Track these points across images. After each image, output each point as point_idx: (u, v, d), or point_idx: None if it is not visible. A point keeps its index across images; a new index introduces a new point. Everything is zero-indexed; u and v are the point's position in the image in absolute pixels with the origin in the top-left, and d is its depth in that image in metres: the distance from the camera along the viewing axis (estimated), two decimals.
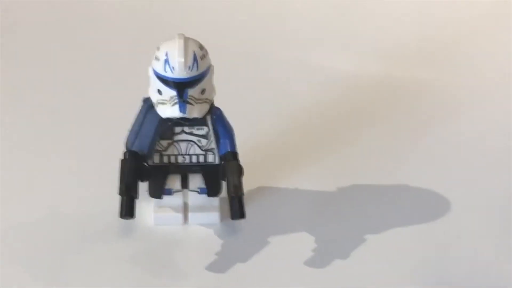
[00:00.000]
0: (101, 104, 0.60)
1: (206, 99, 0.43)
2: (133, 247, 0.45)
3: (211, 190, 0.46)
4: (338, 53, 0.68)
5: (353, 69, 0.66)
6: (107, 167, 0.47)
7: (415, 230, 0.49)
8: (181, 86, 0.41)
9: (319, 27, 0.72)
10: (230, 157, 0.44)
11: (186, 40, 0.41)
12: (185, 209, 0.47)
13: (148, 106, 0.44)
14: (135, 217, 0.43)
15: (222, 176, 0.45)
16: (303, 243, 0.46)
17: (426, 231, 0.49)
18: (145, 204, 0.46)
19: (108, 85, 0.62)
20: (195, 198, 0.47)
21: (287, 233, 0.47)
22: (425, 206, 0.51)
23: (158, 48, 0.42)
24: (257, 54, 0.67)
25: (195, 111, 0.42)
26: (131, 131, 0.44)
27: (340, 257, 0.46)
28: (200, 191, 0.46)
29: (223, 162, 0.45)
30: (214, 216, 0.46)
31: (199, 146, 0.45)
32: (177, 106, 0.42)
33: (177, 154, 0.45)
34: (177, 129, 0.44)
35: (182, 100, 0.42)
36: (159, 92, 0.42)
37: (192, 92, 0.42)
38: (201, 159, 0.46)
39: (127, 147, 0.44)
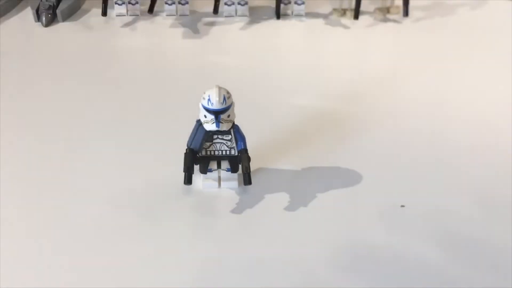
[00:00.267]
0: (175, 121, 0.69)
1: (230, 120, 0.57)
2: (191, 200, 0.59)
3: (233, 169, 0.60)
4: (305, 95, 0.77)
5: (313, 104, 0.75)
6: (177, 157, 0.58)
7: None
8: (216, 113, 0.55)
9: (295, 80, 0.81)
10: (243, 151, 0.58)
11: (219, 88, 0.55)
12: (219, 179, 0.60)
13: (199, 124, 0.57)
14: (192, 184, 0.58)
15: (239, 162, 0.59)
16: (285, 197, 0.59)
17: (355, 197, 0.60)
18: (197, 177, 0.60)
19: (178, 112, 0.72)
20: (224, 174, 0.60)
21: (274, 193, 0.60)
22: (352, 182, 0.62)
23: (204, 93, 0.56)
24: (259, 97, 0.76)
25: (224, 127, 0.56)
26: (190, 137, 0.58)
27: (307, 206, 0.59)
28: (227, 170, 0.60)
29: (239, 154, 0.58)
30: (234, 183, 0.60)
31: (226, 146, 0.59)
32: (215, 124, 0.56)
33: (214, 150, 0.59)
34: (215, 136, 0.58)
35: (217, 121, 0.55)
36: (205, 116, 0.56)
37: (223, 116, 0.56)
38: (228, 152, 0.59)
39: (187, 146, 0.58)
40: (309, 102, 0.75)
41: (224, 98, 0.56)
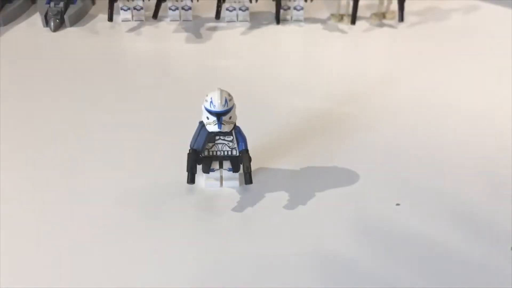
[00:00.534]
0: (178, 123, 0.69)
1: (232, 121, 0.57)
2: (194, 199, 0.60)
3: (235, 168, 0.60)
4: (304, 97, 0.77)
5: (311, 105, 0.75)
6: (181, 157, 0.58)
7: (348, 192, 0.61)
8: (218, 115, 0.55)
9: (294, 83, 0.81)
10: (244, 152, 0.58)
11: (221, 91, 0.55)
12: (221, 179, 0.61)
13: (201, 125, 0.57)
14: (195, 183, 0.58)
15: (240, 162, 0.58)
16: (284, 196, 0.59)
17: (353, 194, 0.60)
18: (200, 177, 0.60)
19: (182, 113, 0.72)
20: (226, 173, 0.60)
21: (274, 192, 0.60)
22: (349, 181, 0.62)
23: (207, 95, 0.56)
24: (259, 99, 0.76)
25: (226, 128, 0.56)
26: (193, 138, 0.58)
27: (306, 204, 0.59)
28: (229, 170, 0.60)
29: (240, 155, 0.58)
30: (236, 183, 0.61)
31: (228, 146, 0.58)
32: (217, 125, 0.55)
33: (216, 150, 0.59)
34: (217, 137, 0.58)
35: (219, 122, 0.55)
36: (207, 118, 0.56)
37: (224, 118, 0.56)
38: (229, 153, 0.59)
39: (191, 146, 0.58)
40: (307, 103, 0.75)
41: (226, 101, 0.56)
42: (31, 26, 0.93)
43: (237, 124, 0.58)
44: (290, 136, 0.69)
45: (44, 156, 0.66)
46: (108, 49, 0.88)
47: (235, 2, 0.92)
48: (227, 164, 0.60)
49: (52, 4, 0.93)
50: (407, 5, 0.92)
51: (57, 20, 0.92)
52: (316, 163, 0.65)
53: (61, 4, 0.93)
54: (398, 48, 0.89)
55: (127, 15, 0.94)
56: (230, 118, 0.57)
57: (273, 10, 0.93)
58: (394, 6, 0.93)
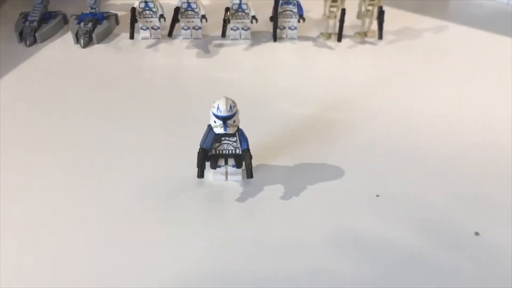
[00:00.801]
0: (190, 126, 0.70)
1: (236, 125, 0.56)
2: (203, 191, 0.59)
3: (238, 165, 0.59)
4: (298, 104, 0.76)
5: (303, 110, 0.75)
6: (191, 155, 0.58)
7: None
8: (224, 119, 0.55)
9: (289, 91, 0.80)
10: (246, 151, 0.58)
11: (226, 98, 0.55)
12: (226, 174, 0.60)
13: (210, 128, 0.57)
14: (203, 177, 0.58)
15: (243, 159, 0.58)
16: (281, 189, 0.60)
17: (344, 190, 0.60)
18: (208, 172, 0.60)
19: (193, 118, 0.72)
20: (230, 169, 0.60)
21: (272, 185, 0.60)
22: (337, 176, 0.62)
23: (214, 102, 0.55)
24: (259, 105, 0.76)
25: (230, 130, 0.56)
26: (202, 139, 0.58)
27: (299, 196, 0.59)
28: (233, 166, 0.60)
29: (243, 153, 0.58)
30: (239, 177, 0.60)
31: (232, 146, 0.58)
32: (223, 128, 0.56)
33: (222, 149, 0.58)
34: (223, 138, 0.58)
35: (225, 125, 0.55)
36: (215, 121, 0.56)
37: (229, 121, 0.55)
38: (233, 151, 0.59)
39: (200, 146, 0.58)
40: (300, 109, 0.75)
41: (231, 107, 0.55)
42: (64, 43, 0.92)
43: (240, 127, 0.58)
44: (286, 137, 0.69)
45: (74, 153, 0.66)
46: (130, 63, 0.87)
47: (238, 23, 0.92)
48: (231, 161, 0.60)
49: (82, 24, 0.92)
50: (385, 26, 0.92)
51: (86, 38, 0.91)
52: (308, 160, 0.65)
53: (90, 24, 0.92)
54: (378, 62, 0.88)
55: (146, 33, 0.93)
56: (234, 121, 0.57)
57: (271, 30, 0.93)
58: (374, 26, 0.93)
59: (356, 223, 0.56)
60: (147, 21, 0.92)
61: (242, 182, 0.61)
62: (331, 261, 0.52)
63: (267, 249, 0.53)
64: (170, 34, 0.92)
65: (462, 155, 0.66)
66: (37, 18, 0.93)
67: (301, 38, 0.94)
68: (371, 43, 0.93)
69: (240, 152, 0.59)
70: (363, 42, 0.93)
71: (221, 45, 0.92)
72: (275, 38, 0.93)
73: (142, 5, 0.90)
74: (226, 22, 0.90)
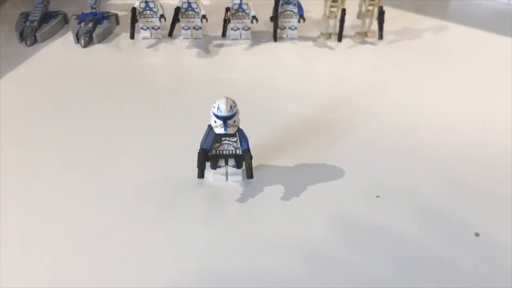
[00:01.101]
0: (190, 126, 0.68)
1: (236, 125, 0.57)
2: (203, 191, 0.59)
3: (238, 165, 0.59)
4: (298, 104, 0.76)
5: (303, 110, 0.75)
6: (192, 155, 0.58)
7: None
8: (224, 119, 0.55)
9: (289, 91, 0.80)
10: (246, 151, 0.58)
11: (227, 98, 0.55)
12: (226, 174, 0.60)
13: (210, 128, 0.57)
14: (204, 178, 0.58)
15: (243, 159, 0.59)
16: (281, 189, 0.60)
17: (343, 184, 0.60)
18: (208, 172, 0.60)
19: (193, 118, 0.70)
20: (231, 169, 0.60)
21: (272, 185, 0.60)
22: (336, 176, 0.62)
23: (214, 102, 0.55)
24: (259, 105, 0.76)
25: (231, 130, 0.56)
26: (203, 139, 0.57)
27: (299, 196, 0.59)
28: (233, 166, 0.60)
29: (243, 153, 0.58)
30: (239, 177, 0.60)
31: (232, 146, 0.58)
32: (223, 128, 0.56)
33: (222, 149, 0.58)
34: (223, 138, 0.58)
35: (225, 125, 0.55)
36: (215, 121, 0.56)
37: (230, 121, 0.55)
38: (234, 152, 0.59)
39: (200, 146, 0.58)
40: (300, 109, 0.75)
41: (231, 107, 0.55)
42: (65, 43, 0.92)
43: (240, 127, 0.58)
44: (286, 137, 0.69)
45: (73, 155, 0.66)
46: (130, 63, 0.87)
47: (238, 23, 0.92)
48: (231, 161, 0.60)
49: (82, 24, 0.92)
50: (386, 26, 0.92)
51: (87, 38, 0.91)
52: (308, 160, 0.65)
53: (90, 24, 0.92)
54: (378, 62, 0.88)
55: (147, 33, 0.93)
56: (234, 122, 0.57)
57: (271, 30, 0.93)
58: (375, 26, 0.93)
59: (356, 223, 0.56)
60: (147, 21, 0.92)
61: (242, 183, 0.61)
62: (331, 261, 0.52)
63: (267, 249, 0.53)
64: (170, 34, 0.92)
65: (462, 155, 0.66)
66: (37, 18, 0.93)
67: (302, 38, 0.94)
68: (371, 43, 0.93)
69: (241, 153, 0.59)
70: (363, 42, 0.93)
71: (221, 45, 0.92)
72: (275, 38, 0.93)
73: (143, 5, 0.90)
74: (226, 22, 0.90)
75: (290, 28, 0.93)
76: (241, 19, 0.91)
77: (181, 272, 0.51)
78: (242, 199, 0.59)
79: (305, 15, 0.90)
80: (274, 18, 0.91)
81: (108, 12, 0.97)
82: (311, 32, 0.96)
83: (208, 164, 0.59)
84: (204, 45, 0.92)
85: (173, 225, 0.55)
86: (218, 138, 0.58)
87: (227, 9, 0.89)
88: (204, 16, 0.90)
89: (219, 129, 0.56)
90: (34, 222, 0.56)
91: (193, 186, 0.60)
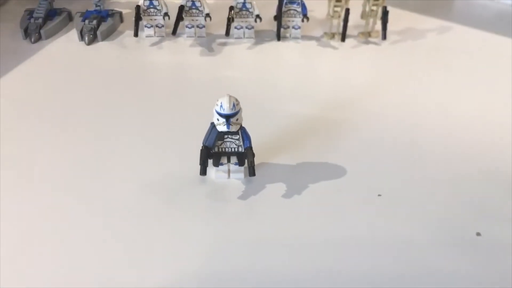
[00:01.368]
0: (193, 124, 0.68)
1: (238, 123, 0.57)
2: (205, 189, 0.60)
3: (240, 163, 0.60)
4: (300, 103, 0.77)
5: (306, 109, 0.75)
6: (194, 153, 0.59)
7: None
8: (227, 117, 0.56)
9: (292, 91, 0.81)
10: (249, 149, 0.58)
11: (230, 97, 0.55)
12: (228, 171, 0.61)
13: (213, 125, 0.57)
14: (206, 175, 0.59)
15: (245, 157, 0.59)
16: (282, 187, 0.60)
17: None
18: (211, 169, 0.60)
19: (196, 116, 0.71)
20: (233, 167, 0.60)
21: (274, 183, 0.61)
22: (337, 175, 0.62)
23: (217, 100, 0.56)
24: (262, 104, 0.76)
25: (233, 128, 0.56)
26: (205, 137, 0.58)
27: (300, 194, 0.59)
28: (235, 164, 0.60)
29: (245, 151, 0.58)
30: (241, 175, 0.61)
31: (235, 144, 0.59)
32: (226, 126, 0.56)
33: (225, 147, 0.59)
34: (225, 136, 0.58)
35: (228, 123, 0.56)
36: (218, 119, 0.56)
37: (232, 119, 0.56)
38: (236, 149, 0.59)
39: (203, 144, 0.58)
40: (303, 108, 0.75)
41: (234, 105, 0.56)
42: (69, 40, 0.93)
43: (243, 125, 0.58)
44: (288, 136, 0.69)
45: (75, 152, 0.66)
46: (134, 61, 0.88)
47: (242, 21, 0.92)
48: (234, 159, 0.60)
49: (86, 21, 0.93)
50: (389, 26, 0.92)
51: (91, 35, 0.91)
52: (310, 159, 0.65)
53: (94, 22, 0.92)
54: (381, 62, 0.88)
55: (150, 31, 0.93)
56: (237, 120, 0.57)
57: (275, 29, 0.93)
58: (378, 26, 0.93)
59: (357, 222, 0.56)
60: (151, 19, 0.92)
61: (244, 180, 0.61)
62: (332, 259, 0.52)
63: (269, 247, 0.53)
64: (174, 32, 0.92)
65: (464, 155, 0.66)
66: (42, 15, 0.93)
67: (305, 37, 0.94)
68: (375, 43, 0.93)
69: (243, 150, 0.59)
70: (367, 42, 0.93)
71: (224, 44, 0.92)
72: (278, 37, 0.93)
73: (147, 3, 0.90)
74: (230, 20, 0.90)
75: (293, 27, 0.93)
76: (244, 18, 0.91)
77: (183, 269, 0.51)
78: (244, 197, 0.59)
79: (308, 14, 0.90)
80: (278, 17, 0.91)
81: (112, 10, 0.97)
82: (315, 31, 0.96)
83: (210, 161, 0.60)
84: (208, 44, 0.92)
85: (175, 222, 0.56)
86: (221, 135, 0.58)
87: (231, 8, 0.90)
88: (207, 15, 0.90)
89: (221, 127, 0.57)
90: (35, 220, 0.56)
91: (196, 183, 0.60)
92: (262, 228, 0.55)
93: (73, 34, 0.93)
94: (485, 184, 0.61)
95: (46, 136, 0.69)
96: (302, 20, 0.91)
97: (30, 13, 0.94)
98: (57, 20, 0.95)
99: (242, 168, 0.61)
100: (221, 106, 0.56)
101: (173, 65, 0.88)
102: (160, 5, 0.91)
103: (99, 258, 0.52)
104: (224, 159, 0.60)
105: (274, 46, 0.92)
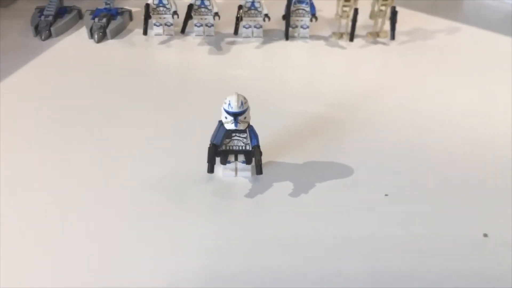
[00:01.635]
0: (201, 121, 0.68)
1: (246, 121, 0.57)
2: (213, 186, 0.60)
3: (248, 161, 0.60)
4: (308, 102, 0.76)
5: (313, 108, 0.75)
6: (202, 150, 0.59)
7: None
8: (235, 115, 0.56)
9: (300, 90, 0.80)
10: (256, 147, 0.58)
11: (238, 95, 0.55)
12: (236, 169, 0.61)
13: (221, 124, 0.57)
14: (213, 173, 0.59)
15: (252, 155, 0.59)
16: (289, 185, 0.60)
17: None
18: (218, 167, 0.60)
19: (204, 114, 0.71)
20: (240, 165, 0.61)
21: (281, 182, 0.61)
22: (344, 174, 0.62)
23: (225, 98, 0.56)
24: (270, 103, 0.76)
25: (241, 126, 0.56)
26: (213, 134, 0.58)
27: (308, 193, 0.59)
28: (243, 162, 0.60)
29: (253, 149, 0.58)
30: (248, 173, 0.61)
31: (242, 142, 0.59)
32: (233, 124, 0.56)
33: (232, 145, 0.59)
34: (233, 134, 0.58)
35: (236, 121, 0.56)
36: (226, 117, 0.56)
37: (240, 118, 0.56)
38: (243, 148, 0.59)
39: (211, 141, 0.58)
40: (310, 107, 0.75)
41: (242, 103, 0.56)
42: (79, 37, 0.93)
43: (250, 123, 0.58)
44: (296, 135, 0.69)
45: (84, 149, 0.66)
46: (143, 59, 0.88)
47: (251, 20, 0.92)
48: (241, 157, 0.61)
49: (96, 19, 0.93)
50: (398, 26, 0.92)
51: (100, 33, 0.92)
52: (317, 158, 0.65)
53: (104, 20, 0.93)
54: (389, 62, 0.88)
55: (159, 30, 0.94)
56: (245, 118, 0.57)
57: (283, 28, 0.93)
58: (387, 26, 0.93)
59: (364, 221, 0.56)
60: (160, 18, 0.93)
61: (251, 178, 0.61)
62: (339, 259, 0.52)
63: (276, 246, 0.53)
64: (183, 31, 0.93)
65: (472, 155, 0.66)
66: (52, 13, 0.94)
67: (313, 37, 0.94)
68: (383, 43, 0.93)
69: (250, 149, 0.59)
70: (375, 42, 0.93)
71: (233, 43, 0.92)
72: (287, 36, 0.93)
73: (156, 1, 0.91)
74: (238, 19, 0.90)
75: (302, 27, 0.93)
76: (253, 17, 0.92)
77: (189, 266, 0.51)
78: (250, 195, 0.59)
79: (317, 14, 0.90)
80: (286, 17, 0.91)
81: (122, 8, 0.98)
82: (323, 31, 0.96)
83: (218, 159, 0.60)
84: (216, 42, 0.92)
85: (183, 220, 0.56)
86: (229, 134, 0.58)
87: (240, 7, 0.90)
88: (216, 14, 0.91)
89: (229, 125, 0.57)
90: (40, 217, 0.56)
91: (203, 181, 0.61)
92: (269, 227, 0.55)
93: (83, 32, 0.94)
94: (496, 185, 0.61)
95: (54, 132, 0.69)
96: (311, 20, 0.91)
97: (40, 10, 0.95)
98: (67, 18, 0.96)
99: (249, 166, 0.61)
100: (229, 104, 0.56)
101: (182, 63, 0.88)
102: (169, 4, 0.91)
103: (103, 256, 0.52)
104: (231, 157, 0.60)
105: (282, 45, 0.92)
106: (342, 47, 0.92)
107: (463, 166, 0.64)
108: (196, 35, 0.94)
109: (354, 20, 0.90)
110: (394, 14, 0.90)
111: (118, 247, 0.53)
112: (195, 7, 0.91)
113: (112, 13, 0.95)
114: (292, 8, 0.90)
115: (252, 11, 0.91)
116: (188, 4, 0.91)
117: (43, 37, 0.91)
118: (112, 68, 0.85)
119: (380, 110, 0.75)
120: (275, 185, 0.60)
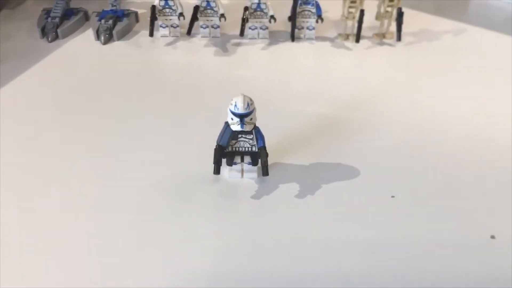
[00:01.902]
0: (207, 123, 0.69)
1: (253, 122, 0.57)
2: (219, 187, 0.60)
3: (254, 162, 0.60)
4: (314, 103, 0.77)
5: (319, 110, 0.75)
6: (208, 152, 0.59)
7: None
8: (241, 116, 0.56)
9: (306, 91, 0.80)
10: (262, 148, 0.58)
11: (244, 96, 0.56)
12: (242, 171, 0.61)
13: (227, 125, 0.58)
14: (220, 174, 0.59)
15: (259, 157, 0.59)
16: (295, 187, 0.60)
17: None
18: (224, 169, 0.60)
19: (210, 115, 0.71)
20: (246, 166, 0.61)
21: (287, 183, 0.61)
22: (351, 175, 0.62)
23: (231, 99, 0.56)
24: (276, 104, 0.76)
25: (247, 128, 0.57)
26: (219, 136, 0.58)
27: (314, 194, 0.59)
28: (249, 163, 0.60)
29: (259, 151, 0.59)
30: (254, 174, 0.61)
31: (248, 143, 0.59)
32: (240, 125, 0.56)
33: (239, 146, 0.59)
34: (239, 136, 0.58)
35: (242, 123, 0.56)
36: (232, 119, 0.56)
37: (246, 119, 0.56)
38: (250, 149, 0.60)
39: (217, 143, 0.58)
40: (317, 109, 0.75)
41: (248, 104, 0.56)
42: (85, 39, 0.94)
43: (256, 125, 0.58)
44: (301, 136, 0.69)
45: (90, 150, 0.66)
46: (149, 60, 0.88)
47: (256, 22, 0.92)
48: (247, 159, 0.61)
49: (102, 21, 0.94)
50: (404, 27, 0.92)
51: (107, 35, 0.92)
52: (323, 159, 0.65)
53: (110, 22, 0.93)
54: (395, 63, 0.88)
55: (165, 31, 0.94)
56: (251, 119, 0.57)
57: (289, 30, 0.93)
58: (393, 27, 0.93)
59: (370, 223, 0.56)
60: (166, 19, 0.93)
61: (257, 180, 0.61)
62: (345, 261, 0.52)
63: (281, 247, 0.53)
64: (189, 32, 0.93)
65: (479, 157, 0.66)
66: (59, 15, 0.94)
67: (319, 38, 0.94)
68: (389, 45, 0.93)
69: (256, 150, 0.59)
70: (381, 43, 0.93)
71: (239, 44, 0.93)
72: (293, 38, 0.93)
73: (162, 3, 0.91)
74: (244, 21, 0.90)
75: (308, 28, 0.93)
76: (259, 18, 0.92)
77: (196, 266, 0.51)
78: (256, 196, 0.59)
79: (323, 15, 0.90)
80: (292, 18, 0.91)
81: (128, 10, 0.98)
82: (329, 32, 0.96)
83: (224, 160, 0.60)
84: (222, 44, 0.92)
85: (189, 221, 0.56)
86: (235, 135, 0.58)
87: (246, 8, 0.90)
88: (222, 15, 0.91)
89: (235, 126, 0.57)
90: (47, 217, 0.56)
91: (209, 182, 0.61)
92: (275, 228, 0.55)
93: (89, 33, 0.94)
94: (502, 187, 0.61)
95: (61, 133, 0.69)
96: (317, 21, 0.91)
97: (47, 12, 0.96)
98: (74, 19, 0.96)
99: (255, 167, 0.61)
100: (235, 105, 0.56)
101: (188, 64, 0.88)
102: (175, 5, 0.91)
103: (107, 256, 0.52)
104: (237, 159, 0.60)
105: (288, 46, 0.92)
106: (348, 49, 0.92)
107: (471, 167, 0.64)
108: (202, 37, 0.94)
109: (360, 21, 0.90)
110: (400, 15, 0.90)
111: (124, 247, 0.53)
112: (201, 8, 0.91)
113: (118, 15, 0.95)
114: (298, 10, 0.90)
115: (258, 13, 0.91)
116: (194, 5, 0.91)
117: (49, 39, 0.92)
118: (119, 69, 0.85)
119: (386, 111, 0.75)
120: (281, 186, 0.61)
